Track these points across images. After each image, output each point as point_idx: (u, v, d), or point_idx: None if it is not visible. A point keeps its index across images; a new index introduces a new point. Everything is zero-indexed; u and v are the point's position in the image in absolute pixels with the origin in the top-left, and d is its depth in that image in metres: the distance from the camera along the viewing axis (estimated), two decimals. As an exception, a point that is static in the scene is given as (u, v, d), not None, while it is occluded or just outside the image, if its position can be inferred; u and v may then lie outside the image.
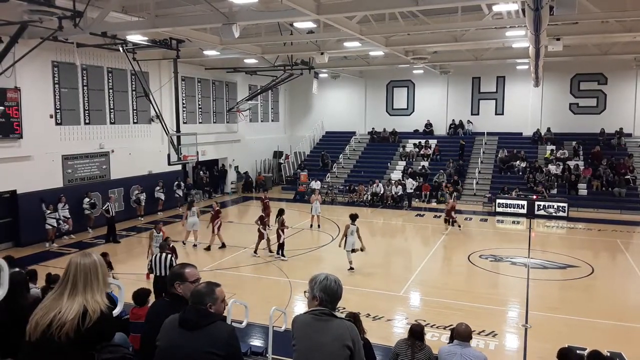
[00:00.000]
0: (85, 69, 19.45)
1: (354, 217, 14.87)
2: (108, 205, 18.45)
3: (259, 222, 16.03)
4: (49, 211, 17.23)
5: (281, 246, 15.77)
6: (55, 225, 17.45)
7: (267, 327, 8.54)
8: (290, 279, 13.78)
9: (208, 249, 16.70)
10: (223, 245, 16.88)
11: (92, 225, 19.22)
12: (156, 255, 10.98)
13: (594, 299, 12.84)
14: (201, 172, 27.15)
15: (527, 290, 12.99)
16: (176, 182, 23.75)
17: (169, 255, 10.79)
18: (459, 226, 19.82)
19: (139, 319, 6.75)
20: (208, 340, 3.05)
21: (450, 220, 19.87)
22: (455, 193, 21.96)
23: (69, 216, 18.08)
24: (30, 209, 17.07)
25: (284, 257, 15.72)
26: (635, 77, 27.16)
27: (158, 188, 22.64)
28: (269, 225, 16.63)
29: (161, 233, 14.00)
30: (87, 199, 18.92)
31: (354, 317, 6.36)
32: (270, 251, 16.08)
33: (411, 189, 25.70)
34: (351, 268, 14.49)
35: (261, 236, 15.98)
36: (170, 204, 23.36)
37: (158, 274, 10.57)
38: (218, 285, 3.31)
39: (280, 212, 16.14)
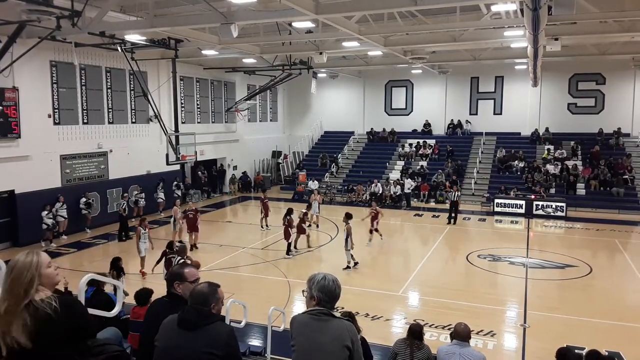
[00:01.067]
0: (84, 69, 19.41)
1: (350, 216, 15.05)
2: (124, 204, 18.82)
3: (303, 217, 16.33)
4: (45, 212, 17.23)
5: (289, 245, 16.07)
6: (50, 225, 17.39)
7: (266, 327, 8.55)
8: (289, 278, 13.78)
9: (194, 247, 16.66)
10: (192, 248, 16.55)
11: (90, 225, 19.21)
12: (177, 259, 11.07)
13: (592, 298, 12.85)
14: (199, 172, 27.12)
15: (525, 290, 13.00)
16: (175, 182, 23.72)
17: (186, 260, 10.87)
18: (381, 235, 17.89)
19: (139, 318, 6.74)
20: (207, 341, 3.05)
21: (373, 230, 17.69)
22: (458, 193, 21.91)
23: (66, 216, 18.06)
24: (29, 209, 17.03)
25: (289, 255, 15.92)
26: (633, 77, 27.19)
27: (159, 188, 22.63)
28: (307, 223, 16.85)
29: (147, 229, 14.28)
30: (83, 199, 18.89)
31: (349, 316, 6.36)
32: (295, 248, 16.36)
33: (409, 189, 25.69)
34: (348, 267, 14.57)
35: (302, 231, 16.33)
36: (169, 204, 23.28)
37: None
38: (219, 285, 3.32)
39: (289, 211, 16.31)
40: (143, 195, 21.70)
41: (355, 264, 14.75)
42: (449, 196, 22.83)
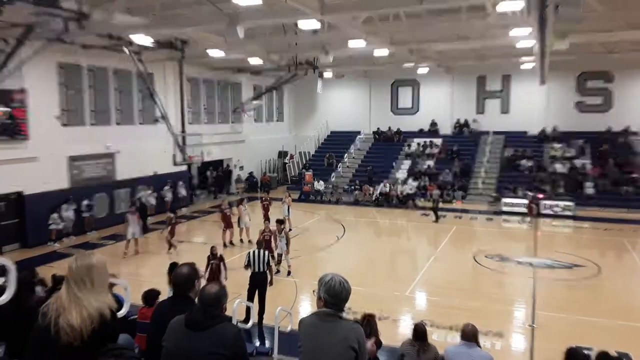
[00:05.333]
0: (91, 70, 19.52)
1: (282, 222, 14.87)
2: (141, 197, 20.42)
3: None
4: (56, 214, 17.43)
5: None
6: (56, 227, 17.53)
7: (273, 327, 8.56)
8: (295, 279, 13.78)
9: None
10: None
11: (93, 227, 19.13)
12: (254, 251, 11.20)
13: (600, 298, 12.78)
14: (208, 172, 27.21)
15: (533, 290, 12.94)
16: (181, 182, 23.83)
17: (267, 252, 11.22)
18: (173, 247, 16.45)
19: (147, 319, 6.76)
20: (214, 341, 3.06)
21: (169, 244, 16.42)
22: (437, 192, 22.10)
23: (73, 218, 18.10)
24: (37, 211, 17.16)
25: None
26: (641, 75, 26.99)
27: (167, 188, 22.78)
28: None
29: (136, 215, 16.32)
30: (85, 201, 18.88)
31: (370, 318, 6.35)
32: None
33: (411, 189, 25.56)
34: (289, 272, 14.14)
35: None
36: (175, 204, 23.39)
37: (257, 270, 10.94)
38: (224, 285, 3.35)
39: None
40: (154, 196, 21.92)
41: (278, 272, 14.14)
42: (433, 194, 23.28)
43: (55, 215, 17.42)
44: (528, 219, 21.40)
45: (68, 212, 17.96)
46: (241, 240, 17.67)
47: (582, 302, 12.38)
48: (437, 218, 21.48)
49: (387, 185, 26.08)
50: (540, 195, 22.51)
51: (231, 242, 17.32)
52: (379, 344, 6.48)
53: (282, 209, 19.47)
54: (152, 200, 21.64)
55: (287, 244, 14.27)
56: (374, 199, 25.81)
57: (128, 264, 15.46)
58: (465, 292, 12.82)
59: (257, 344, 9.73)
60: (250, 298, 10.69)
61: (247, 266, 11.11)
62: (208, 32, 17.32)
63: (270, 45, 20.68)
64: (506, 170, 27.07)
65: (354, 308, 9.51)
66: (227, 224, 17.31)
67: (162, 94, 21.48)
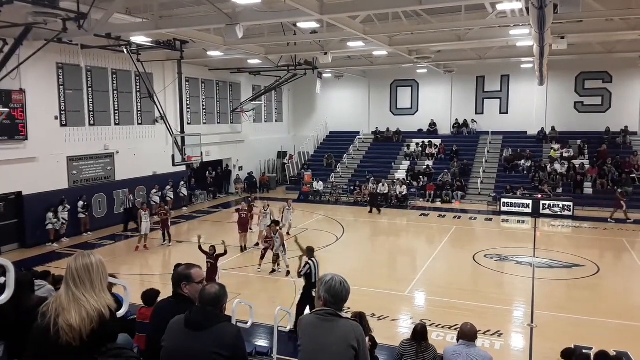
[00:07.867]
0: (90, 71, 19.50)
1: (278, 223, 14.91)
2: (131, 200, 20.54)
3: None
4: (51, 214, 17.40)
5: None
6: (52, 227, 17.51)
7: (272, 327, 8.56)
8: (295, 279, 13.76)
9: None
10: None
11: (87, 229, 18.98)
12: (313, 260, 10.64)
13: (600, 298, 12.78)
14: (207, 172, 27.22)
15: (532, 290, 12.94)
16: (182, 182, 23.83)
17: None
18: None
19: (146, 319, 6.75)
20: (214, 341, 3.06)
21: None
22: (380, 185, 22.71)
23: (67, 219, 18.02)
24: (36, 211, 17.15)
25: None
26: (640, 75, 27.02)
27: (169, 187, 22.81)
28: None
29: (147, 212, 17.20)
30: (81, 202, 18.80)
31: (360, 316, 6.37)
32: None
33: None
34: (288, 272, 13.99)
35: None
36: (176, 204, 23.38)
37: (315, 280, 10.27)
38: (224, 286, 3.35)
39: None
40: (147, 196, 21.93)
41: (273, 271, 14.14)
42: (380, 188, 24.69)
43: (50, 215, 17.37)
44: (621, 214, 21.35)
45: (63, 213, 17.86)
46: (257, 244, 16.82)
47: (581, 301, 12.39)
48: (372, 209, 23.35)
49: (386, 185, 26.07)
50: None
51: (245, 247, 16.63)
52: (374, 343, 6.49)
53: (286, 216, 18.56)
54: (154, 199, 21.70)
55: (283, 244, 14.19)
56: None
57: (128, 262, 15.45)
58: (464, 291, 12.82)
59: (257, 343, 9.73)
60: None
61: (305, 275, 10.46)
62: (207, 32, 17.32)
63: (269, 46, 20.69)
64: (505, 171, 27.09)
65: (354, 308, 9.53)
66: (243, 228, 16.71)
67: (161, 95, 21.49)
